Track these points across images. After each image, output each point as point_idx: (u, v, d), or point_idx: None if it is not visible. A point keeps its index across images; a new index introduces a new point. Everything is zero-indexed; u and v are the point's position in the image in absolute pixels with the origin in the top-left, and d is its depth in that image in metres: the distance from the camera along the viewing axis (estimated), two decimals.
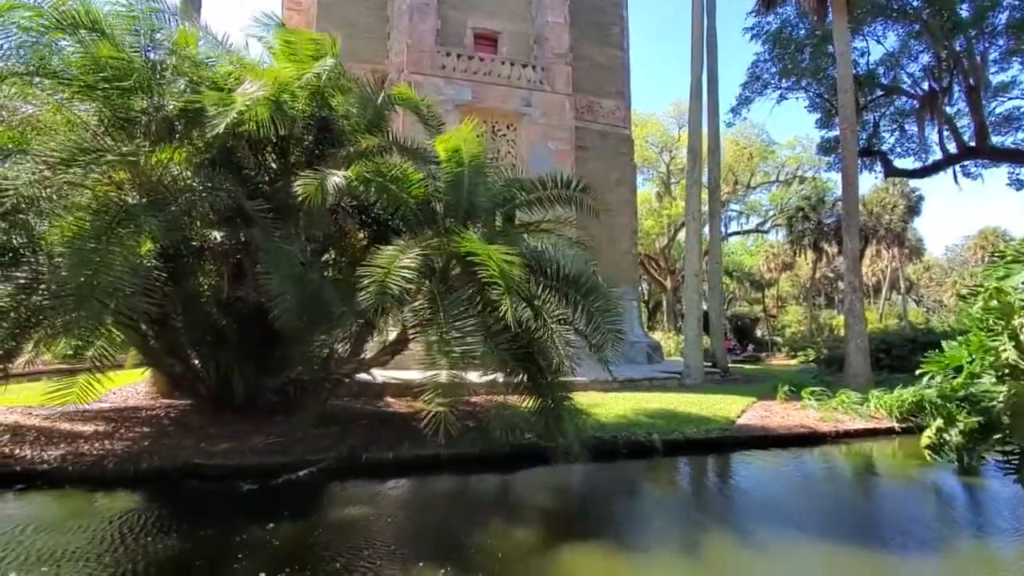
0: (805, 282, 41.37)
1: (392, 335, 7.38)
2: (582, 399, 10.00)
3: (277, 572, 3.80)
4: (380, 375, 9.15)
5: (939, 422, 6.37)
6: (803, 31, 17.37)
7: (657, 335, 26.24)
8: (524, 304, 6.57)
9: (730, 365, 16.97)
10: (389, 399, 8.73)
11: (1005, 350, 5.09)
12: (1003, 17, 16.62)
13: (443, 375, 4.66)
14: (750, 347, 32.04)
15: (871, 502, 6.46)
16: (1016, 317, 4.99)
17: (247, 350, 7.41)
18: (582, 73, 16.56)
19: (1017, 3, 16.61)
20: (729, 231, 37.59)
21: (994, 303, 5.40)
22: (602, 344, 6.54)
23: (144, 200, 5.77)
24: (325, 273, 6.55)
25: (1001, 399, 5.26)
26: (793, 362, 25.07)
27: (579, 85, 16.34)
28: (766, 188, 35.63)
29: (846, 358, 12.45)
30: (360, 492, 5.93)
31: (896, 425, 9.10)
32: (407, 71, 13.43)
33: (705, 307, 18.00)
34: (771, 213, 36.67)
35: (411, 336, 5.22)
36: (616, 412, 9.19)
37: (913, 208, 37.23)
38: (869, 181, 38.89)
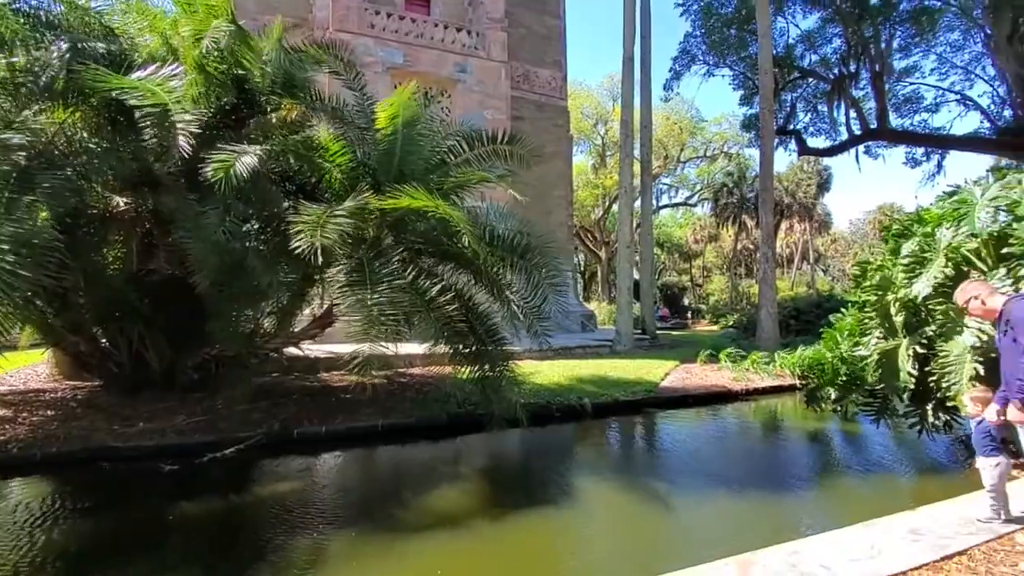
0: (728, 253, 43.96)
1: (322, 308, 7.19)
2: (519, 367, 10.31)
3: (197, 550, 3.74)
4: (313, 349, 8.93)
5: (826, 382, 7.25)
6: (730, 8, 17.99)
7: (592, 305, 27.12)
8: (460, 269, 6.60)
9: (659, 332, 17.96)
10: (323, 374, 8.56)
11: (874, 318, 5.77)
12: (905, 5, 17.99)
13: (375, 346, 4.62)
14: (688, 314, 34.01)
15: (770, 449, 7.21)
16: (891, 292, 5.64)
17: (162, 326, 6.97)
18: (518, 41, 16.32)
19: None
20: (660, 204, 39.05)
21: (875, 278, 6.08)
22: (542, 309, 6.68)
23: (35, 164, 5.20)
24: (248, 243, 6.23)
25: (872, 358, 5.96)
26: (716, 328, 26.83)
27: (515, 53, 16.12)
28: (695, 163, 37.13)
29: (758, 323, 13.53)
30: (291, 467, 5.86)
31: (798, 382, 10.09)
32: (332, 28, 12.64)
33: (636, 277, 18.79)
34: (699, 187, 38.39)
35: (341, 307, 5.10)
36: (550, 379, 9.55)
37: (823, 185, 40.29)
38: (786, 158, 41.59)
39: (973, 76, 19.84)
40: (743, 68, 20.03)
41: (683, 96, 31.66)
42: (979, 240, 5.38)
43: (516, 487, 5.50)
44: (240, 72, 6.53)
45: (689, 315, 34.92)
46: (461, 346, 5.86)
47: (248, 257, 5.98)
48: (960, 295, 3.43)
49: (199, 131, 5.39)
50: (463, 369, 6.04)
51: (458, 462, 6.38)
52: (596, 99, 32.96)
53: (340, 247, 5.45)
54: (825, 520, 4.34)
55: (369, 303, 4.82)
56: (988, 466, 3.39)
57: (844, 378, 6.97)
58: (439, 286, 5.94)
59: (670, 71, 21.17)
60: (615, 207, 28.39)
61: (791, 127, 22.22)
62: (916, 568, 2.90)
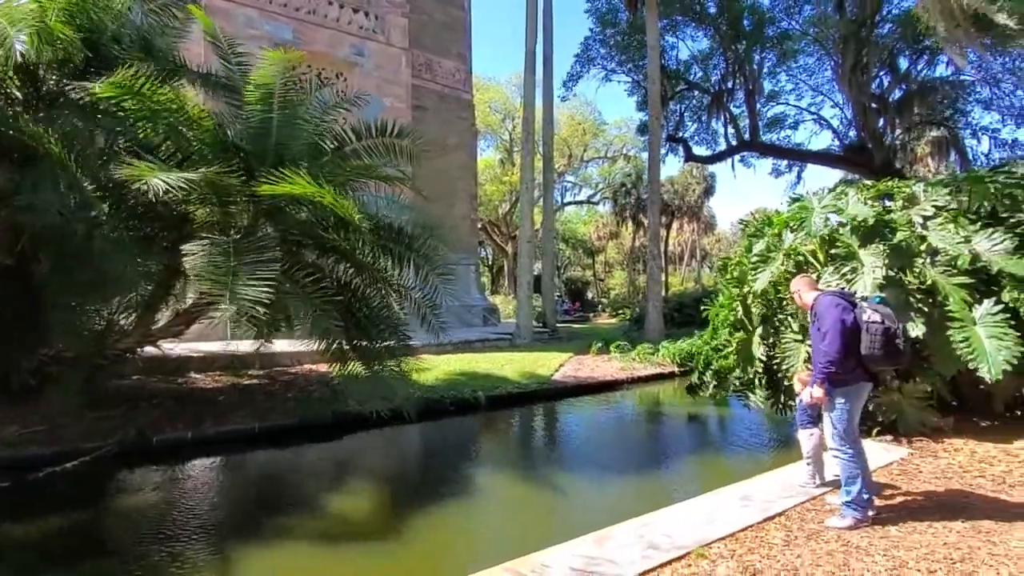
0: (627, 250, 46.64)
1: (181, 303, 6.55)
2: (415, 362, 10.17)
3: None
4: (181, 348, 8.13)
5: (699, 370, 7.95)
6: (625, 19, 18.99)
7: (498, 298, 27.45)
8: (347, 263, 6.32)
9: (559, 325, 18.60)
10: (193, 375, 7.81)
11: (736, 309, 6.43)
12: (772, 31, 20.13)
13: (249, 343, 4.30)
14: (593, 309, 35.53)
15: (647, 432, 7.80)
16: (746, 285, 6.31)
17: None
18: (420, 29, 15.97)
19: (783, 19, 20.23)
20: (565, 201, 40.44)
21: (735, 273, 6.77)
22: (435, 302, 6.60)
23: None
24: (96, 226, 5.48)
25: (733, 346, 6.65)
26: (614, 321, 28.36)
27: (417, 41, 15.76)
28: (597, 163, 38.86)
29: (646, 316, 14.52)
30: (149, 479, 5.30)
31: (676, 369, 11.01)
32: None
33: (539, 271, 19.31)
34: (600, 187, 40.24)
35: (212, 302, 4.65)
36: (447, 372, 9.53)
37: (709, 189, 43.97)
38: (676, 164, 44.76)
39: (826, 99, 22.77)
40: (637, 76, 21.26)
41: (584, 97, 33.03)
42: (815, 242, 6.20)
43: (400, 484, 5.43)
44: (89, 28, 5.72)
45: (591, 308, 36.56)
46: (343, 342, 5.63)
47: (96, 241, 5.28)
48: (791, 287, 3.92)
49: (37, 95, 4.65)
50: (348, 365, 5.81)
51: (342, 462, 6.15)
52: (504, 94, 33.31)
53: (206, 230, 5.00)
54: (688, 493, 4.77)
55: (240, 296, 4.47)
56: (805, 437, 3.92)
57: (715, 366, 7.72)
58: (322, 279, 5.66)
59: (571, 70, 21.94)
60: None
61: (680, 135, 24.00)
62: (743, 529, 3.28)
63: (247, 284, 4.38)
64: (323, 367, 9.17)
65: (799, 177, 25.12)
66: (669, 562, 2.88)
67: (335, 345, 5.78)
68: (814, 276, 5.13)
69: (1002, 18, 10.68)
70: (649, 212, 14.76)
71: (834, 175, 25.42)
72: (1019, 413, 5.92)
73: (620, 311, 29.35)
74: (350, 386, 6.59)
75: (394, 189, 7.46)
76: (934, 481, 4.09)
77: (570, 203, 41.85)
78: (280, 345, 8.47)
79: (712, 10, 19.73)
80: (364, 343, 6.10)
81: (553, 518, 4.60)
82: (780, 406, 6.54)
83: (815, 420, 3.87)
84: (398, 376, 6.28)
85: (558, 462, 6.18)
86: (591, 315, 33.95)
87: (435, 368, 9.81)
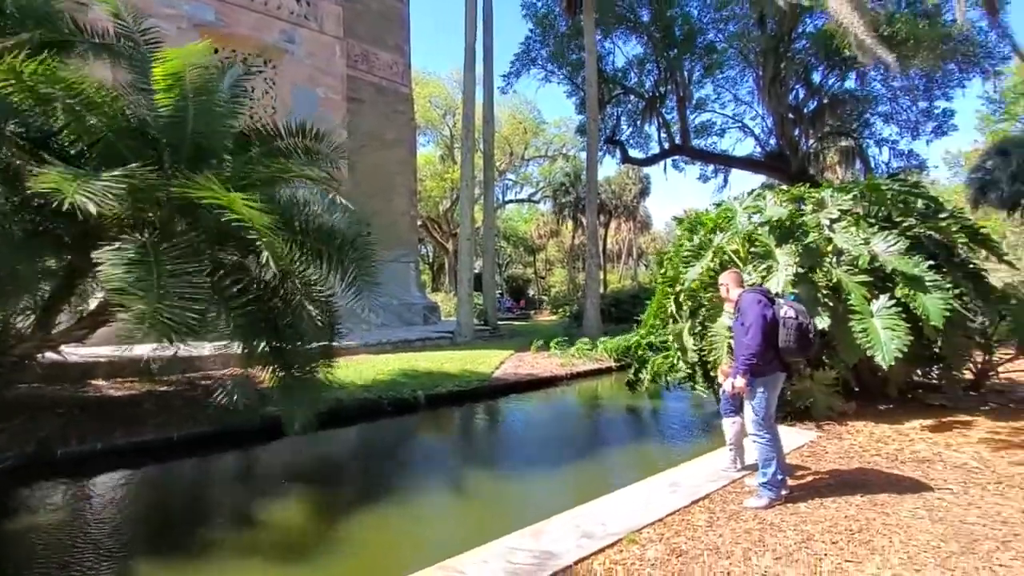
0: (567, 248, 47.56)
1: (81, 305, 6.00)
2: (351, 363, 9.89)
3: None
4: (84, 352, 7.46)
5: (636, 364, 8.27)
6: (564, 23, 19.34)
7: (439, 296, 27.20)
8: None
9: (501, 322, 18.69)
10: (100, 381, 7.17)
11: (668, 306, 6.74)
12: (700, 42, 21.18)
13: (165, 348, 3.99)
14: (535, 306, 35.91)
15: (585, 426, 8.00)
16: (678, 284, 6.62)
17: None
18: (356, 18, 15.47)
19: (710, 31, 21.34)
20: (507, 199, 40.62)
21: (669, 271, 7.09)
22: (368, 305, 6.41)
23: None
24: None
25: (669, 339, 6.96)
26: (555, 318, 28.87)
27: (353, 31, 15.27)
28: (538, 162, 39.32)
29: (584, 313, 14.88)
30: (49, 495, 4.82)
31: (614, 364, 11.37)
32: None
33: (479, 269, 19.31)
34: (541, 185, 40.74)
35: (119, 304, 4.26)
36: (385, 372, 9.32)
37: (644, 190, 45.69)
38: (613, 165, 46.15)
39: (749, 108, 24.27)
40: (576, 79, 21.70)
41: (525, 96, 33.34)
42: (738, 240, 6.60)
43: (331, 489, 5.24)
44: None
45: (535, 306, 37.02)
46: (267, 344, 5.35)
47: None
48: (720, 281, 4.16)
49: None
50: (272, 370, 5.52)
51: (269, 469, 5.86)
52: (445, 89, 32.93)
53: (115, 227, 4.59)
54: (623, 482, 4.94)
55: (153, 297, 4.14)
56: (728, 425, 4.17)
57: (651, 360, 8.04)
58: (244, 280, 5.35)
59: (511, 69, 22.02)
60: None
61: (617, 137, 24.75)
62: (671, 513, 3.45)
63: (162, 287, 4.06)
64: (252, 370, 8.75)
65: (725, 181, 26.65)
66: (602, 549, 2.98)
67: (259, 348, 5.49)
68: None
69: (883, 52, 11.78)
70: (587, 212, 15.13)
71: (757, 179, 27.23)
72: (910, 397, 6.61)
73: (561, 308, 29.92)
74: (275, 391, 6.29)
75: (331, 184, 7.19)
76: (838, 461, 4.48)
77: (511, 201, 42.11)
78: (205, 349, 7.97)
79: (645, 18, 20.47)
80: (291, 345, 5.81)
81: (491, 514, 4.63)
82: (718, 396, 6.94)
83: (737, 409, 4.13)
84: (325, 378, 6.02)
85: (497, 459, 6.22)
86: (532, 312, 34.40)
87: (373, 368, 9.59)
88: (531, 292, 43.64)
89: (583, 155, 37.11)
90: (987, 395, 6.71)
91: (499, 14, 16.61)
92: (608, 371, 11.30)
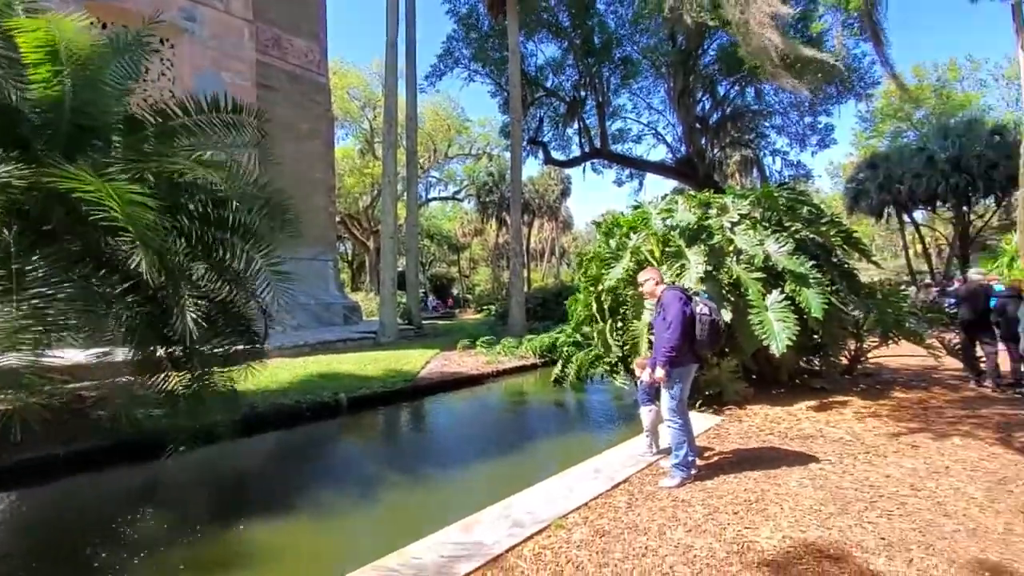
0: (492, 247, 47.85)
1: None
2: (266, 367, 9.33)
3: None
4: None
5: (561, 361, 8.54)
6: (487, 24, 19.46)
7: (359, 295, 26.30)
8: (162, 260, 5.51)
9: (425, 322, 18.44)
10: None
11: (591, 304, 7.03)
12: (618, 52, 22.21)
13: (30, 356, 3.56)
14: (443, 303, 35.59)
15: (511, 421, 8.15)
16: (600, 284, 6.94)
17: None
18: (269, 1, 14.60)
19: (626, 43, 22.42)
20: (430, 196, 40.12)
21: (591, 271, 7.41)
22: (282, 305, 6.07)
23: None
24: None
25: (593, 335, 7.27)
26: (480, 316, 28.97)
27: (264, 14, 14.39)
28: (462, 160, 39.19)
29: (509, 311, 15.10)
30: None
31: (538, 361, 11.66)
32: None
33: (403, 268, 18.93)
34: (465, 183, 40.67)
35: None
36: (304, 375, 8.92)
37: (566, 191, 47.06)
38: (536, 166, 47.16)
39: (662, 117, 25.83)
40: (499, 79, 21.90)
41: (448, 94, 33.07)
42: (653, 241, 7.04)
43: (247, 500, 4.96)
44: None
45: (460, 304, 36.87)
46: (159, 350, 4.92)
47: None
48: (640, 278, 4.40)
49: None
50: (172, 376, 5.10)
51: (174, 483, 5.42)
52: (365, 81, 31.87)
53: None
54: (549, 472, 5.10)
55: (19, 299, 3.67)
56: (645, 413, 4.46)
57: (576, 356, 8.33)
58: (132, 277, 4.89)
59: (434, 67, 21.79)
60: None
61: (539, 139, 25.30)
62: (595, 498, 3.64)
63: (24, 290, 3.61)
64: (150, 378, 7.99)
65: (641, 184, 28.20)
66: (532, 536, 3.10)
67: (155, 352, 5.04)
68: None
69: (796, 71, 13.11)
70: (512, 211, 15.35)
71: (669, 183, 28.99)
72: (798, 381, 7.40)
73: (486, 307, 30.07)
74: (181, 399, 5.81)
75: (246, 175, 6.72)
76: (739, 441, 4.95)
77: (435, 199, 41.65)
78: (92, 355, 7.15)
79: (566, 24, 21.10)
80: (195, 349, 5.38)
81: (422, 513, 4.61)
82: (637, 387, 7.34)
83: (653, 398, 4.43)
84: (231, 384, 5.64)
85: (426, 458, 6.18)
86: (457, 311, 34.28)
87: (289, 372, 9.14)
88: (455, 291, 43.48)
89: (507, 155, 37.60)
90: (859, 378, 7.67)
91: (423, 8, 16.36)
92: (533, 368, 11.56)
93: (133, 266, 3.95)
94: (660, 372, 3.85)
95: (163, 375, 5.01)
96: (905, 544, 2.86)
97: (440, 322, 23.46)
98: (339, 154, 31.44)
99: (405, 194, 17.23)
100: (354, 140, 34.08)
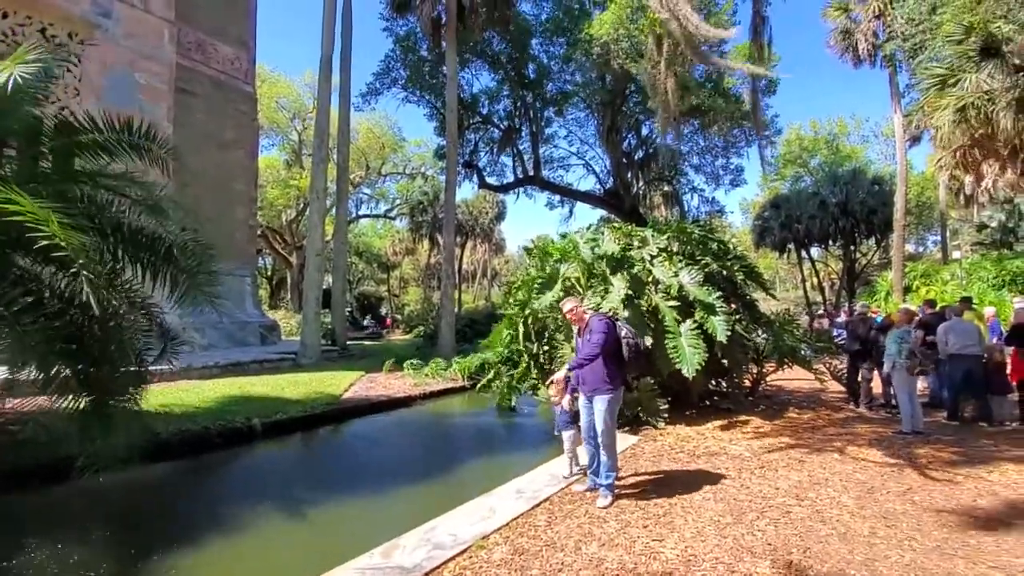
0: (424, 267, 47.35)
1: None
2: (172, 390, 8.65)
3: None
4: None
5: (489, 375, 8.64)
6: (427, 46, 19.73)
7: (279, 314, 25.03)
8: (74, 276, 5.08)
9: (351, 342, 17.84)
10: None
11: (521, 326, 7.23)
12: (551, 86, 23.27)
13: None
14: (380, 324, 34.72)
15: (438, 444, 8.09)
16: (528, 307, 7.17)
17: None
18: (194, 3, 13.96)
19: (559, 78, 23.53)
20: (360, 213, 39.23)
21: (519, 296, 7.63)
22: (191, 323, 5.73)
23: None
24: None
25: (524, 357, 7.45)
26: (410, 337, 28.43)
27: (188, 16, 13.72)
28: (395, 178, 38.81)
29: (439, 332, 15.03)
30: None
31: (467, 383, 11.66)
32: None
33: (328, 285, 18.30)
34: (398, 202, 40.22)
35: None
36: (214, 399, 8.35)
37: (500, 214, 47.79)
38: (471, 188, 47.61)
39: (592, 149, 27.18)
40: (436, 103, 22.15)
41: (385, 111, 32.84)
42: (580, 269, 7.39)
43: (145, 534, 4.57)
44: None
45: (387, 326, 35.99)
46: (70, 370, 4.51)
47: None
48: (564, 305, 4.53)
49: None
50: (72, 399, 4.66)
51: (65, 516, 4.88)
52: (295, 91, 30.92)
53: None
54: (474, 493, 5.13)
55: None
56: (566, 436, 4.64)
57: (504, 376, 8.47)
58: (38, 293, 4.48)
59: (370, 85, 21.65)
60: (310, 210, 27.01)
61: (474, 162, 25.71)
62: (516, 518, 3.74)
63: None
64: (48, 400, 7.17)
65: (571, 212, 29.32)
66: (452, 557, 3.13)
67: (58, 374, 4.59)
68: (578, 297, 6.17)
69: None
70: (444, 232, 15.42)
71: (598, 212, 30.33)
72: (708, 402, 7.98)
73: (417, 327, 29.58)
74: (78, 424, 5.28)
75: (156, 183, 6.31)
76: (652, 459, 5.26)
77: (366, 215, 40.76)
78: None
79: (503, 56, 21.84)
80: (91, 373, 4.95)
81: (342, 540, 4.45)
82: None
83: (572, 421, 4.62)
84: (134, 408, 5.22)
85: (347, 484, 5.97)
86: (385, 332, 33.42)
87: (198, 395, 8.53)
88: (384, 310, 42.46)
89: (442, 177, 37.77)
90: (760, 399, 8.39)
91: (362, 24, 16.30)
92: (462, 390, 11.53)
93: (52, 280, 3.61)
94: (560, 374, 4.33)
95: (68, 396, 4.56)
96: (787, 548, 3.20)
97: (367, 343, 22.79)
98: (263, 164, 30.12)
99: (334, 210, 16.80)
100: (280, 151, 32.81)
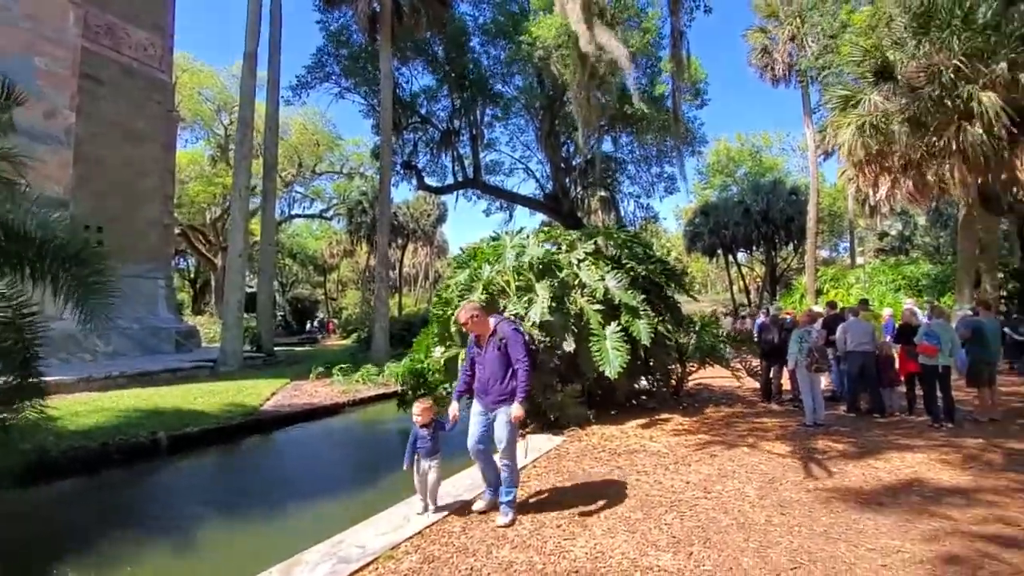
0: (363, 269, 46.04)
1: None
2: (68, 403, 7.86)
3: None
4: None
5: (410, 385, 8.47)
6: (361, 41, 19.16)
7: (202, 319, 23.50)
8: None
9: (282, 348, 17.02)
10: None
11: (441, 331, 7.14)
12: (494, 88, 23.31)
13: None
14: (323, 328, 33.46)
15: (360, 453, 7.85)
16: (449, 309, 7.08)
17: None
18: None
19: (499, 82, 23.65)
20: (294, 213, 37.60)
21: (444, 296, 7.53)
22: (93, 329, 5.20)
23: None
24: None
25: (441, 363, 7.34)
26: (347, 341, 27.51)
27: None
28: (332, 177, 37.49)
29: (373, 337, 14.63)
30: None
31: (400, 388, 11.38)
32: None
33: (255, 288, 17.37)
34: (335, 202, 38.89)
35: None
36: (116, 412, 7.69)
37: (441, 217, 47.32)
38: (410, 190, 46.83)
39: (532, 154, 27.48)
40: (371, 100, 21.60)
41: (319, 107, 31.63)
42: (509, 274, 7.39)
43: (24, 562, 4.11)
44: None
45: (322, 329, 34.67)
46: None
47: None
48: (459, 316, 3.89)
49: None
50: None
51: None
52: (222, 83, 29.12)
53: None
54: (390, 503, 4.97)
55: None
56: (432, 467, 3.85)
57: (427, 381, 8.30)
58: None
59: (301, 78, 20.78)
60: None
61: (413, 163, 25.29)
62: (430, 526, 3.66)
63: None
64: None
65: (511, 216, 29.47)
66: (358, 571, 3.01)
67: None
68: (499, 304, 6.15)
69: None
70: (379, 234, 15.04)
71: (538, 217, 30.70)
72: (634, 402, 8.21)
73: (354, 332, 28.64)
74: None
75: (54, 177, 5.73)
76: (575, 458, 5.33)
77: (299, 215, 39.08)
78: None
79: (442, 56, 21.65)
80: None
81: (237, 562, 4.19)
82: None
83: (438, 448, 3.90)
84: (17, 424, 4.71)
85: (255, 500, 5.63)
86: (320, 337, 32.15)
87: (97, 408, 7.82)
88: (320, 315, 40.88)
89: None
90: (682, 398, 8.74)
91: (296, 15, 15.70)
92: (395, 395, 11.21)
93: None
94: (520, 410, 3.67)
95: None
96: (689, 540, 3.32)
97: (298, 348, 21.83)
98: (185, 159, 28.23)
99: (261, 210, 15.98)
100: (206, 145, 30.86)
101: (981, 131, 9.69)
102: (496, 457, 3.81)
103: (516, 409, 3.68)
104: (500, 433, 3.75)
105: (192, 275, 39.85)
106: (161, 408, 8.09)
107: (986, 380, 6.97)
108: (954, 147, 10.15)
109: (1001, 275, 15.35)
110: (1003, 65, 9.61)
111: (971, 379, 7.12)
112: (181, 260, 38.64)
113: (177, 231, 28.41)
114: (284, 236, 38.73)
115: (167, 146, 15.41)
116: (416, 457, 3.86)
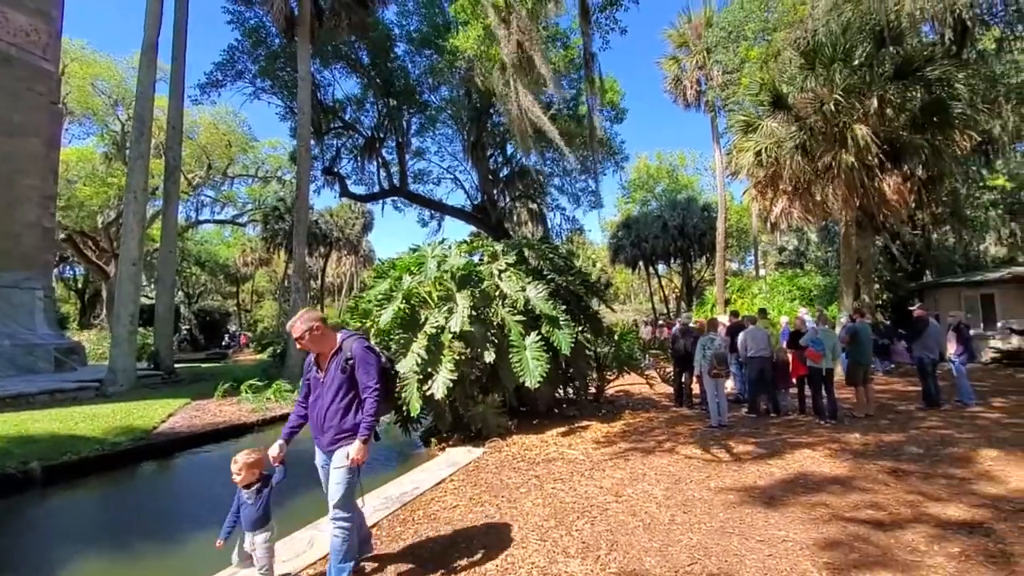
0: (280, 279, 43.58)
1: None
2: None
3: None
4: None
5: None
6: (278, 41, 18.32)
7: (91, 334, 21.13)
8: None
9: (186, 365, 15.63)
10: None
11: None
12: (422, 96, 23.09)
13: None
14: (236, 342, 31.05)
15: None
16: (369, 320, 6.87)
17: None
18: None
19: (426, 92, 23.47)
20: (202, 218, 34.94)
21: (362, 308, 7.29)
22: None
23: None
24: None
25: None
26: (262, 356, 25.74)
27: None
28: (246, 181, 35.28)
29: (288, 351, 13.82)
30: None
31: None
32: None
33: (153, 300, 15.89)
34: (249, 207, 36.61)
35: None
36: None
37: (368, 225, 45.97)
38: (334, 197, 45.19)
39: (460, 164, 27.46)
40: (289, 102, 20.65)
41: (232, 106, 29.78)
42: (431, 284, 7.29)
43: None
44: None
45: (233, 343, 32.32)
46: None
47: None
48: (298, 325, 3.00)
49: None
50: None
51: None
52: (120, 74, 26.50)
53: None
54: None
55: None
56: (260, 544, 3.09)
57: None
58: None
59: (209, 74, 19.41)
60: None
61: (336, 170, 24.40)
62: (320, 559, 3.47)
63: None
64: None
65: (439, 226, 29.22)
66: None
67: None
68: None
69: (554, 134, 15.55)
70: (295, 242, 14.31)
71: (468, 227, 30.64)
72: (556, 411, 8.35)
73: (269, 346, 26.88)
74: None
75: None
76: (495, 470, 5.31)
77: (209, 221, 36.36)
78: None
79: (366, 62, 21.16)
80: None
81: None
82: (408, 428, 7.23)
83: (268, 516, 3.13)
84: None
85: (137, 534, 5.05)
86: (232, 352, 29.94)
87: None
88: (233, 327, 38.13)
89: None
90: (603, 405, 9.01)
91: (206, 7, 14.67)
92: None
93: None
94: (362, 451, 2.87)
95: None
96: (598, 544, 3.40)
97: (205, 365, 20.20)
98: (74, 157, 25.46)
99: (161, 214, 14.67)
100: (99, 142, 27.94)
101: (853, 159, 10.93)
102: (327, 518, 3.01)
103: (356, 449, 2.84)
104: (334, 482, 2.90)
105: (80, 285, 35.80)
106: (36, 435, 7.12)
107: (862, 380, 7.81)
108: (835, 172, 11.38)
109: (877, 286, 17.37)
110: (874, 100, 10.93)
111: (849, 379, 7.96)
112: (67, 269, 34.61)
113: (62, 236, 25.43)
114: (191, 243, 35.87)
115: (50, 142, 13.78)
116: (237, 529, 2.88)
